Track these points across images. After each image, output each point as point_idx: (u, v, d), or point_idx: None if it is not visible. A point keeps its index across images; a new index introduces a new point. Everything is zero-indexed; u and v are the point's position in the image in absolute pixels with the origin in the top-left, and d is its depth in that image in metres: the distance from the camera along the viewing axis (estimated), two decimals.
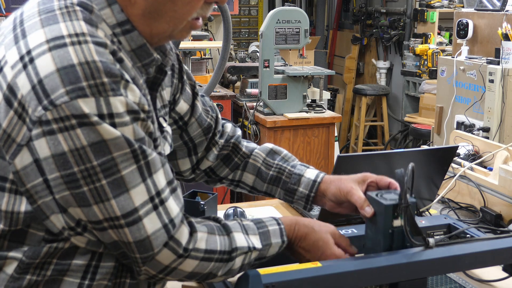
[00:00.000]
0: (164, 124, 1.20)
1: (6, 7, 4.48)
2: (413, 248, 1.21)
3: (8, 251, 0.99)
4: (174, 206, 1.04)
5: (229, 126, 1.45)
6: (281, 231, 1.20)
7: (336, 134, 4.53)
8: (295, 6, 7.51)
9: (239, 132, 1.46)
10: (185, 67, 1.33)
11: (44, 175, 0.94)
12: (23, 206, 0.97)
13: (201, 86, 4.51)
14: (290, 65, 4.60)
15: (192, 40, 4.83)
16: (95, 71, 0.92)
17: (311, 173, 1.38)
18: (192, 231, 1.08)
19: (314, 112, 4.30)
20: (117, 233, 0.99)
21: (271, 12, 4.26)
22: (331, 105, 7.15)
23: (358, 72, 7.44)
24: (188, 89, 1.32)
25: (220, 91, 4.59)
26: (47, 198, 0.96)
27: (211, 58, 5.31)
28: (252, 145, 1.45)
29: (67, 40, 0.93)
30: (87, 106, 0.90)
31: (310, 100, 4.36)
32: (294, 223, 1.23)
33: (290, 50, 4.49)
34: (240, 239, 1.14)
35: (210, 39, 5.29)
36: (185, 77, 1.31)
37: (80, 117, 0.90)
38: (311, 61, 5.16)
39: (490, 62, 3.68)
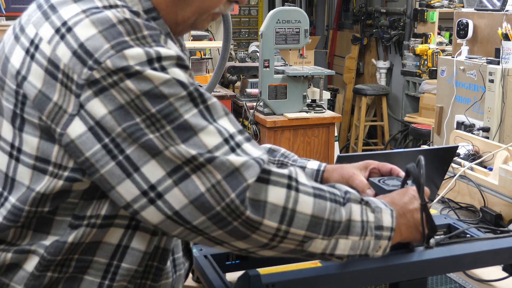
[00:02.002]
0: None
1: (6, 7, 4.48)
2: (413, 248, 1.21)
3: (30, 244, 0.97)
4: (255, 150, 0.95)
5: None
6: (381, 201, 1.10)
7: (336, 134, 4.53)
8: (295, 6, 7.51)
9: None
10: None
11: (102, 140, 0.89)
12: (55, 190, 0.94)
13: (201, 86, 4.51)
14: (290, 65, 4.60)
15: (192, 40, 4.83)
16: (135, 26, 0.91)
17: (313, 164, 1.37)
18: (283, 166, 1.02)
19: (314, 112, 4.30)
20: (202, 176, 0.90)
21: (271, 12, 4.26)
22: (331, 105, 7.15)
23: (358, 72, 7.44)
24: None
25: (220, 91, 4.60)
26: (110, 164, 0.90)
27: (211, 58, 5.31)
28: None
29: (103, 9, 0.92)
30: (134, 55, 0.89)
31: (310, 100, 4.36)
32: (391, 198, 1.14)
33: (290, 50, 4.49)
34: (346, 188, 1.06)
35: (210, 39, 5.29)
36: None
37: (127, 68, 0.88)
38: (311, 61, 5.17)
39: (490, 62, 3.68)
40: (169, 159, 0.89)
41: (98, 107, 0.89)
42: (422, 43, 5.80)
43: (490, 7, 4.04)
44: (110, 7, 0.93)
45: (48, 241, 0.96)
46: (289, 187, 0.95)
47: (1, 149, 0.97)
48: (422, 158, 1.16)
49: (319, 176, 1.34)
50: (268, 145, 1.43)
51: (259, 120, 4.29)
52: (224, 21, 3.85)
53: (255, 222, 0.92)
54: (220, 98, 4.43)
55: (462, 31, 4.07)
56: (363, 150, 6.27)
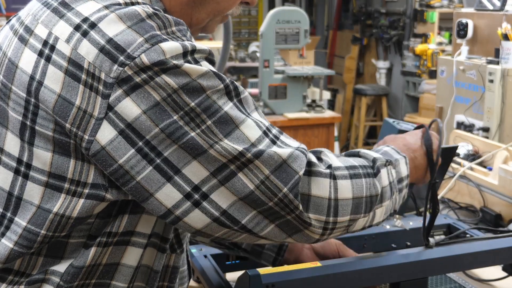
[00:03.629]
0: None
1: (7, 7, 4.49)
2: (413, 248, 1.21)
3: (42, 272, 0.89)
4: (292, 141, 0.92)
5: None
6: (393, 149, 1.10)
7: (336, 134, 4.53)
8: (295, 6, 7.51)
9: None
10: None
11: (136, 144, 0.82)
12: (76, 211, 0.87)
13: None
14: (290, 65, 4.61)
15: None
16: (165, 20, 0.87)
17: None
18: (318, 153, 0.96)
19: (314, 112, 4.31)
20: (249, 173, 0.85)
21: (271, 12, 4.26)
22: (331, 105, 7.15)
23: (358, 72, 7.44)
24: None
25: None
26: (147, 169, 0.83)
27: None
28: None
29: (125, 5, 0.86)
30: (170, 49, 0.83)
31: (310, 100, 4.36)
32: (398, 144, 1.15)
33: (290, 50, 4.49)
34: (371, 153, 1.04)
35: (210, 39, 5.29)
36: None
37: (164, 62, 0.82)
38: (311, 61, 5.16)
39: (489, 62, 3.68)
40: (214, 158, 0.84)
41: (130, 108, 0.82)
42: (422, 43, 5.80)
43: (490, 7, 4.05)
44: (132, 4, 0.87)
45: (62, 266, 0.90)
46: (330, 176, 0.92)
47: (4, 165, 0.89)
48: (439, 122, 1.22)
49: None
50: None
51: None
52: None
53: (307, 217, 0.90)
54: None
55: (462, 31, 4.07)
56: None
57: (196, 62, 0.86)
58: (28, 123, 0.85)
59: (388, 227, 1.44)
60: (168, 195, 0.84)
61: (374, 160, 1.01)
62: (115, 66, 0.81)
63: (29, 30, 0.88)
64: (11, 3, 4.55)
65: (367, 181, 0.97)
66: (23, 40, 0.88)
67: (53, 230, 0.87)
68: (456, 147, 1.39)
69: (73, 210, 0.87)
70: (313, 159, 0.91)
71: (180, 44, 0.85)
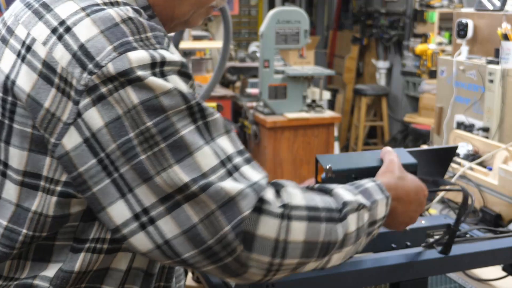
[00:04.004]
0: None
1: (7, 7, 4.49)
2: (413, 248, 1.21)
3: (31, 277, 0.88)
4: (254, 173, 0.86)
5: None
6: (379, 186, 1.01)
7: (336, 134, 4.53)
8: (295, 6, 7.51)
9: None
10: None
11: (98, 154, 0.81)
12: (51, 210, 0.86)
13: (201, 86, 4.52)
14: (290, 65, 4.61)
15: (192, 40, 4.83)
16: (139, 26, 0.84)
17: None
18: (280, 188, 0.89)
19: (314, 112, 4.31)
20: (195, 206, 0.81)
21: (271, 12, 4.26)
22: (331, 105, 7.15)
23: (358, 72, 7.44)
24: None
25: (220, 91, 4.60)
26: (105, 181, 0.82)
27: (211, 58, 5.31)
28: None
29: (104, 6, 0.85)
30: (137, 59, 0.81)
31: (310, 100, 4.36)
32: (394, 180, 1.04)
33: (290, 50, 4.49)
34: (345, 194, 0.94)
35: (210, 39, 5.29)
36: None
37: (129, 73, 0.80)
38: (311, 61, 5.17)
39: (490, 62, 3.68)
40: (160, 186, 0.81)
41: (95, 118, 0.81)
42: (422, 43, 5.80)
43: (490, 7, 4.05)
44: (111, 4, 0.86)
45: (51, 270, 0.89)
46: (282, 217, 0.85)
47: None
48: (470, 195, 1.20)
49: None
50: None
51: (259, 120, 4.29)
52: (224, 21, 3.85)
53: (245, 258, 0.84)
54: (220, 98, 4.43)
55: (462, 31, 4.07)
56: (363, 150, 6.27)
57: (164, 75, 0.83)
58: (6, 121, 0.86)
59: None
60: (119, 211, 0.83)
61: (344, 204, 0.93)
62: (85, 74, 0.81)
63: (10, 31, 0.89)
64: (11, 3, 4.55)
65: (328, 226, 0.89)
66: (4, 41, 0.89)
67: (33, 229, 0.87)
68: (455, 147, 1.39)
69: (48, 208, 0.87)
70: (268, 195, 0.85)
71: (149, 54, 0.82)
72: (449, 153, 1.62)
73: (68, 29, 0.83)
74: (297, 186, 0.92)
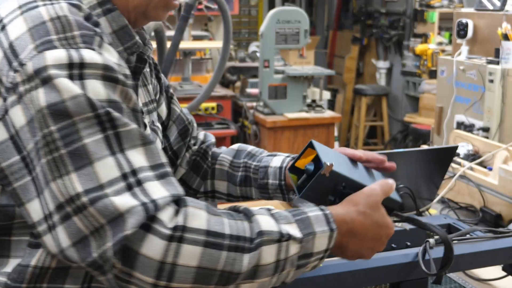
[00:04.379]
0: (149, 121, 1.13)
1: None
2: (413, 248, 1.21)
3: None
4: (160, 191, 0.83)
5: (202, 133, 1.36)
6: (326, 216, 0.94)
7: (336, 134, 4.53)
8: (295, 6, 7.51)
9: (212, 139, 1.35)
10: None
11: (21, 151, 0.83)
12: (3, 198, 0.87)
13: (201, 86, 4.52)
14: (290, 65, 4.61)
15: (192, 40, 4.83)
16: (66, 25, 0.84)
17: (277, 160, 1.24)
18: (181, 207, 0.84)
19: (314, 112, 4.31)
20: (83, 219, 0.80)
21: (271, 12, 4.26)
22: (331, 105, 7.15)
23: (358, 72, 7.44)
24: (164, 91, 1.28)
25: (220, 91, 4.60)
26: (26, 178, 0.83)
27: (211, 58, 5.31)
28: (221, 150, 1.33)
29: (40, 3, 0.87)
30: (54, 58, 0.81)
31: (310, 100, 4.36)
32: (353, 214, 0.97)
33: (290, 50, 4.49)
34: (266, 222, 0.89)
35: (210, 39, 5.29)
36: (162, 79, 1.26)
37: (42, 72, 0.80)
38: (311, 61, 5.16)
39: (490, 62, 3.68)
40: (55, 193, 0.80)
41: (19, 116, 0.82)
42: (422, 43, 5.80)
43: (490, 7, 4.05)
44: (51, 2, 0.87)
45: (10, 266, 0.89)
46: (170, 238, 0.80)
47: None
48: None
49: (282, 174, 1.22)
50: (236, 146, 1.33)
51: (259, 120, 4.29)
52: (224, 21, 3.85)
53: (127, 275, 0.81)
54: (220, 98, 4.43)
55: (462, 31, 4.07)
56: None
57: (82, 78, 0.82)
58: None
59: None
60: (35, 209, 0.84)
61: (259, 234, 0.87)
62: (11, 72, 0.82)
63: None
64: None
65: (230, 254, 0.84)
66: None
67: None
68: (456, 147, 1.39)
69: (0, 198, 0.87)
70: (162, 215, 0.81)
71: (68, 54, 0.82)
72: (449, 153, 1.62)
73: (3, 27, 0.86)
74: (208, 207, 0.87)
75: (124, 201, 0.80)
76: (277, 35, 4.18)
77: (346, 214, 0.96)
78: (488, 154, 2.08)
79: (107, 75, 0.84)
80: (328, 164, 1.00)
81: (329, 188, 1.01)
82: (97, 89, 0.83)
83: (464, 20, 4.18)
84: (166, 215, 0.82)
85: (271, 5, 7.92)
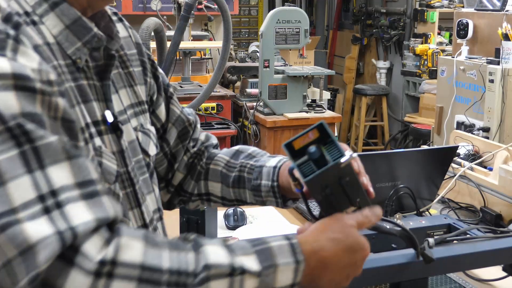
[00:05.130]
0: (137, 124, 1.06)
1: None
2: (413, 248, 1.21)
3: None
4: (83, 214, 0.73)
5: (203, 134, 1.28)
6: (292, 246, 0.85)
7: (336, 134, 4.53)
8: (295, 6, 7.51)
9: (214, 140, 1.28)
10: (159, 68, 1.20)
11: None
12: None
13: (201, 86, 4.51)
14: (290, 65, 4.60)
15: (192, 40, 4.83)
16: None
17: (273, 161, 1.15)
18: (112, 237, 0.75)
19: (314, 112, 4.31)
20: None
21: (271, 12, 4.26)
22: (331, 105, 7.15)
23: (358, 72, 7.44)
24: (162, 91, 1.20)
25: (220, 91, 4.59)
26: None
27: (211, 58, 5.31)
28: (221, 151, 1.25)
29: None
30: None
31: (310, 100, 4.36)
32: (322, 242, 0.87)
33: (290, 50, 4.49)
34: (216, 254, 0.80)
35: (210, 39, 5.29)
36: (160, 78, 1.19)
37: None
38: (311, 61, 5.16)
39: (490, 62, 3.68)
40: None
41: None
42: (422, 43, 5.80)
43: (490, 7, 4.05)
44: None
45: None
46: (97, 274, 0.71)
47: None
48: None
49: (275, 175, 1.12)
50: (237, 146, 1.25)
51: (259, 120, 4.29)
52: (224, 21, 3.85)
53: None
54: (220, 98, 4.43)
55: (462, 31, 4.07)
56: (363, 150, 6.27)
57: None
58: None
59: (388, 227, 1.44)
60: None
61: (205, 267, 0.78)
62: None
63: None
64: None
65: None
66: None
67: None
68: (456, 147, 1.39)
69: None
70: (87, 246, 0.72)
71: None
72: (449, 153, 1.62)
73: None
74: (146, 237, 0.78)
75: (36, 228, 0.69)
76: (277, 35, 4.18)
77: (315, 243, 0.86)
78: (488, 154, 2.08)
79: (20, 84, 0.74)
80: (354, 156, 0.90)
81: (332, 179, 0.91)
82: (8, 101, 0.73)
83: (464, 20, 4.18)
84: (91, 246, 0.72)
85: (271, 5, 7.92)
